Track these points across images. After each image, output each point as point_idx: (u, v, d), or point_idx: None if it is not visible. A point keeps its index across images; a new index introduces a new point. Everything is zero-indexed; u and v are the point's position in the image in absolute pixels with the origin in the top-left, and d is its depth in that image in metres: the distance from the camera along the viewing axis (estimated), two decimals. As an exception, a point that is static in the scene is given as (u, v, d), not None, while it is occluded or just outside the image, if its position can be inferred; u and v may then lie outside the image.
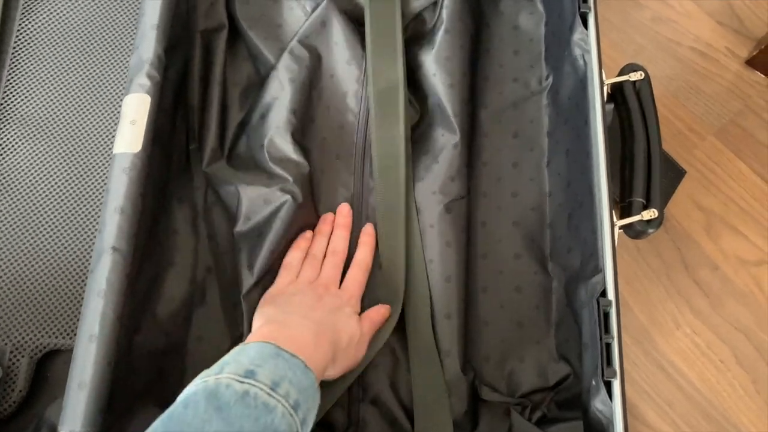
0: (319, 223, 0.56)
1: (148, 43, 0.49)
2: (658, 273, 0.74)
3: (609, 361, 0.43)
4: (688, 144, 0.78)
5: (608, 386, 0.43)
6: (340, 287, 0.52)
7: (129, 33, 0.60)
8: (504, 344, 0.54)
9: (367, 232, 0.55)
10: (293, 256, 0.53)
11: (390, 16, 0.59)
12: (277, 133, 0.55)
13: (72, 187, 0.55)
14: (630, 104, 0.53)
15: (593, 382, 0.44)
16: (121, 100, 0.55)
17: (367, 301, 0.53)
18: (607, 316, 0.44)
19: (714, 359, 0.71)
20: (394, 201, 0.55)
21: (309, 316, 0.46)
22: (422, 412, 0.50)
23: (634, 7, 0.84)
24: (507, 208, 0.58)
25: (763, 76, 0.82)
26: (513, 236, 0.57)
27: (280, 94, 0.56)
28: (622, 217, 0.51)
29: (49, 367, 0.51)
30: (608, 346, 0.43)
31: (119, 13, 0.60)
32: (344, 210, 0.56)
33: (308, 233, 0.55)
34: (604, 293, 0.45)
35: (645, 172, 0.51)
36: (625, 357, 0.68)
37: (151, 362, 0.48)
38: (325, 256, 0.54)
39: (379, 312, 0.51)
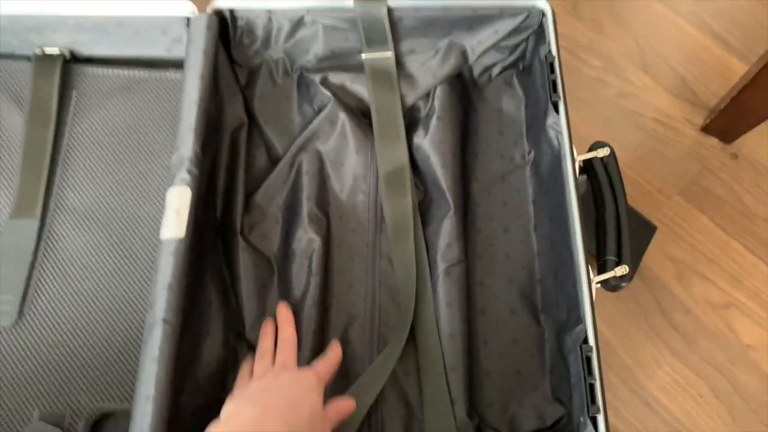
0: (261, 332, 0.57)
1: (187, 144, 0.55)
2: (638, 318, 0.79)
3: (593, 400, 0.48)
4: (657, 203, 0.84)
5: (594, 421, 0.48)
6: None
7: (164, 129, 0.65)
8: (505, 391, 0.58)
9: (333, 347, 0.57)
10: (243, 368, 0.56)
11: (392, 108, 0.66)
12: (296, 218, 0.62)
13: (118, 267, 0.59)
14: (600, 177, 0.60)
15: (581, 419, 0.49)
16: (158, 191, 0.61)
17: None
18: (589, 360, 0.49)
19: (693, 394, 0.75)
20: (408, 263, 0.61)
21: (261, 400, 0.46)
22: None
23: (600, 85, 0.92)
24: (501, 268, 0.63)
25: (717, 140, 0.89)
26: (508, 293, 0.62)
27: (297, 184, 0.63)
28: (599, 273, 0.56)
29: (102, 430, 0.54)
30: (591, 386, 0.48)
31: (155, 112, 0.66)
32: (282, 309, 0.58)
33: (270, 320, 0.58)
34: (586, 340, 0.50)
35: (615, 235, 0.57)
36: (614, 394, 0.73)
37: (194, 420, 0.52)
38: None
39: (345, 403, 0.53)
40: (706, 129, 0.89)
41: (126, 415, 0.53)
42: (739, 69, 0.91)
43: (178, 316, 0.50)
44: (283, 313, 0.58)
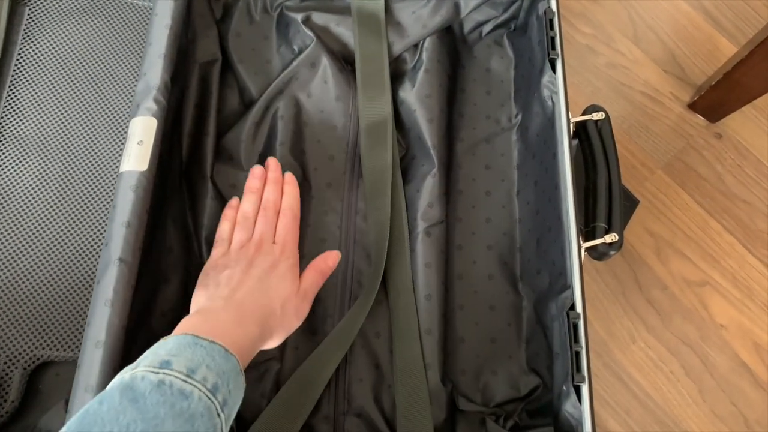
0: (248, 180, 0.53)
1: (155, 71, 0.48)
2: (615, 292, 0.76)
3: (578, 368, 0.44)
4: (640, 177, 0.81)
5: (577, 391, 0.44)
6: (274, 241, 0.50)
7: (126, 59, 0.58)
8: (479, 359, 0.54)
9: (288, 181, 0.54)
10: (223, 227, 0.51)
11: (378, 56, 0.60)
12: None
13: (67, 205, 0.53)
14: (593, 141, 0.55)
15: (564, 388, 0.45)
16: (118, 124, 0.55)
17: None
18: (576, 327, 0.45)
19: (665, 371, 0.73)
20: (383, 221, 0.55)
21: (235, 295, 0.45)
22: (405, 421, 0.50)
23: (590, 54, 0.88)
24: (481, 233, 0.59)
25: (702, 118, 0.86)
26: (487, 259, 0.58)
27: (272, 130, 0.57)
28: (586, 240, 0.52)
29: (41, 379, 0.50)
30: (577, 354, 0.44)
31: (118, 40, 0.59)
32: (272, 164, 0.54)
33: (234, 201, 0.53)
34: (573, 307, 0.46)
35: (607, 201, 0.53)
36: (587, 368, 0.70)
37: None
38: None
39: (326, 260, 0.51)
40: (692, 106, 0.86)
41: (69, 366, 0.50)
42: (727, 49, 0.88)
43: (135, 257, 0.44)
44: (272, 169, 0.54)
